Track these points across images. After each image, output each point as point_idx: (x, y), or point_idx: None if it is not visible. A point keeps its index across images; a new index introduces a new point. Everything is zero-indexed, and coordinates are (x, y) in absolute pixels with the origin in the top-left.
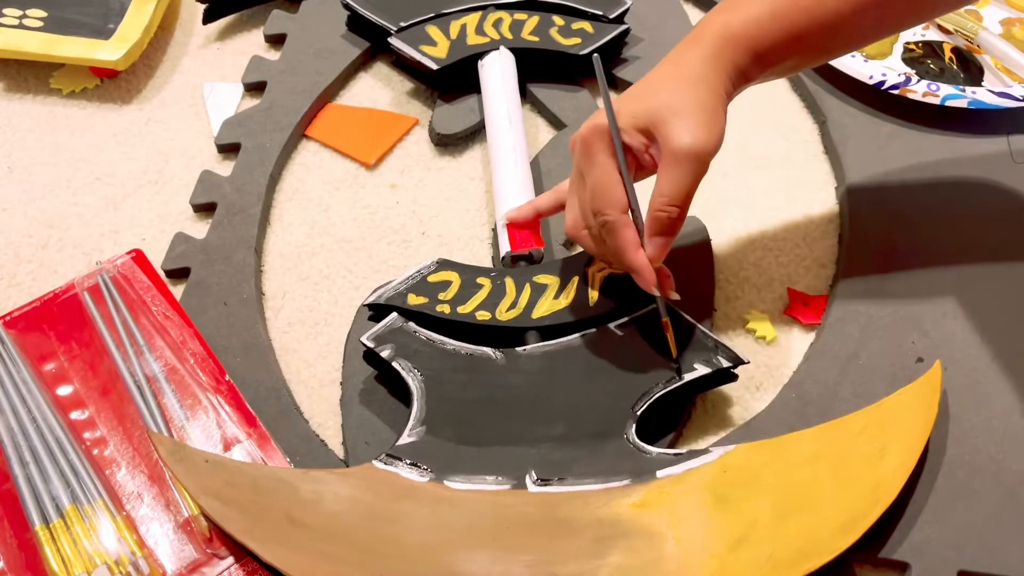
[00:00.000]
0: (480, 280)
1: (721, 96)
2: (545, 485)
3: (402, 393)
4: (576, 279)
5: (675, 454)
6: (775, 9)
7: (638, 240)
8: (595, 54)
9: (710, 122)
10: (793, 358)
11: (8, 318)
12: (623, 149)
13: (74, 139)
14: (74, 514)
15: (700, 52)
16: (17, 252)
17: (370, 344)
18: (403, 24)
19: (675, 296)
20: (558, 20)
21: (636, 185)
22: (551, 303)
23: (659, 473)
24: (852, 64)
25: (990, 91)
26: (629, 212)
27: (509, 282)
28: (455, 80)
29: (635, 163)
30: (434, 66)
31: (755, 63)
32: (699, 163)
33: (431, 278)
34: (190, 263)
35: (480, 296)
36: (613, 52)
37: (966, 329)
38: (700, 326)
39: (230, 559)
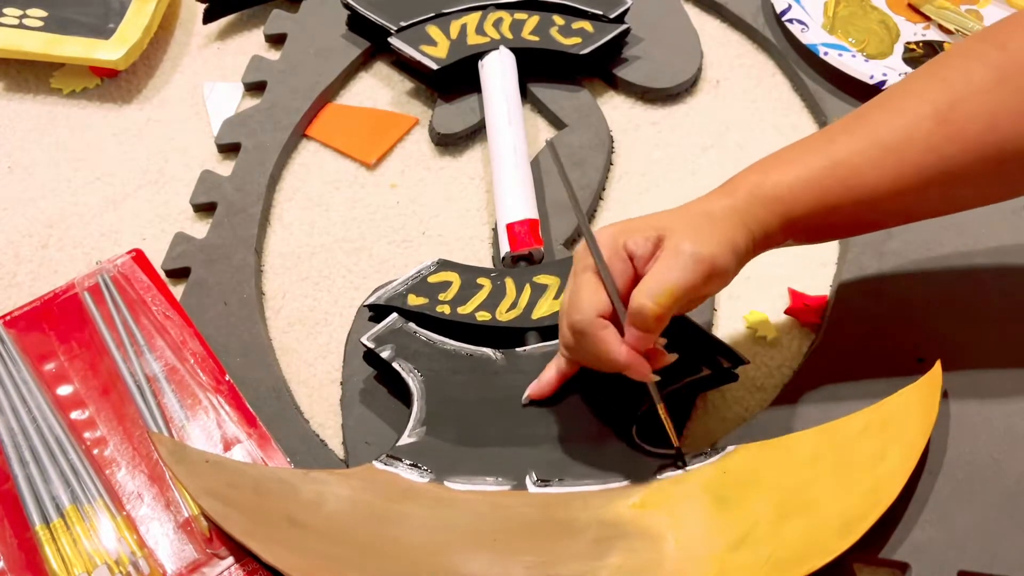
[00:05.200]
0: (480, 280)
1: (736, 245)
2: (545, 486)
3: (402, 393)
4: None
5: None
6: (810, 176)
7: (617, 337)
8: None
9: (718, 248)
10: (793, 358)
11: (8, 318)
12: (623, 256)
13: (74, 139)
14: (74, 514)
15: (729, 203)
16: (17, 252)
17: (370, 345)
18: (403, 24)
19: (670, 359)
20: (558, 20)
21: None
22: (551, 303)
23: (659, 474)
24: (852, 64)
25: None
26: (604, 316)
27: (509, 282)
28: (455, 80)
29: (635, 277)
30: (434, 66)
31: (783, 228)
32: (697, 264)
33: (431, 278)
34: (190, 263)
35: (480, 296)
36: (613, 52)
37: (966, 329)
38: (700, 326)
39: (230, 559)
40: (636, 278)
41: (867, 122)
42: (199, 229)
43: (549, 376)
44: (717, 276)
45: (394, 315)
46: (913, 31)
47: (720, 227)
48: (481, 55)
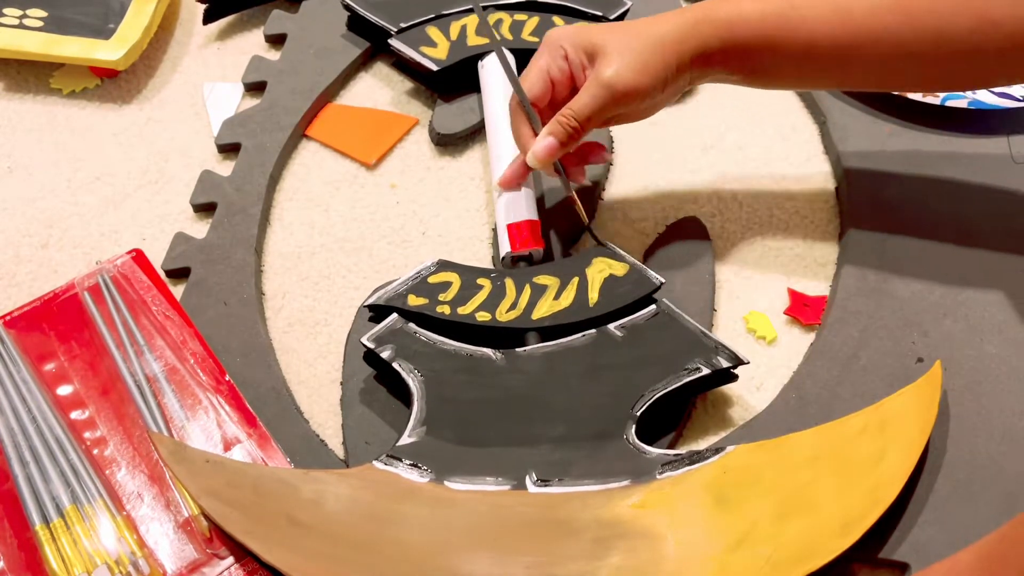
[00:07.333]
0: (480, 281)
1: (669, 61)
2: (545, 486)
3: (402, 393)
4: (576, 280)
5: (675, 455)
6: (761, 11)
7: (529, 130)
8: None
9: (640, 71)
10: (793, 358)
11: (8, 318)
12: (556, 57)
13: (74, 139)
14: (74, 514)
15: (677, 19)
16: (17, 252)
17: (370, 345)
18: (403, 25)
19: (609, 158)
20: (558, 21)
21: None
22: (551, 304)
23: (659, 474)
24: None
25: (990, 91)
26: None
27: (509, 283)
28: (455, 81)
29: (571, 83)
30: (434, 67)
31: (721, 52)
32: (609, 94)
33: (431, 279)
34: (190, 263)
35: (480, 297)
36: None
37: (966, 329)
38: (700, 326)
39: (230, 559)
40: (570, 76)
41: None
42: (199, 229)
43: (514, 167)
44: (634, 101)
45: (394, 315)
46: None
47: (658, 45)
48: (481, 56)
